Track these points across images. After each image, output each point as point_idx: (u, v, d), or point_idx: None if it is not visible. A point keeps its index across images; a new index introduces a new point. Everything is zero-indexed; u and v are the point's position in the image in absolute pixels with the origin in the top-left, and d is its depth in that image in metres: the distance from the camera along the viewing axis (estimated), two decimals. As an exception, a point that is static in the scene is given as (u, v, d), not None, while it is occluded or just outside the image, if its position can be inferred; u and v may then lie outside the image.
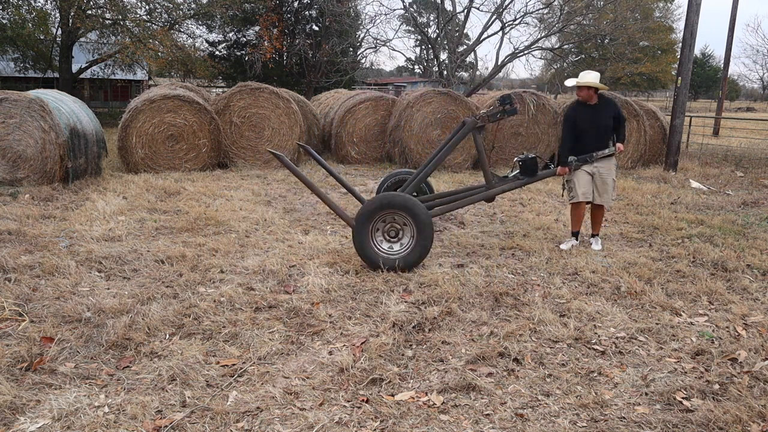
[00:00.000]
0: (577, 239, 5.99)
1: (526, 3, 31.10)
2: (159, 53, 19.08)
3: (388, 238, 4.99)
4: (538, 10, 21.05)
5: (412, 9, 25.53)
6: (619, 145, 5.74)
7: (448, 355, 3.48)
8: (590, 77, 5.72)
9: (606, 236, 6.33)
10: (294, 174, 5.23)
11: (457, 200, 5.74)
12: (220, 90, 26.26)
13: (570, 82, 5.94)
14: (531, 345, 3.61)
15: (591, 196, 5.77)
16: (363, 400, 2.97)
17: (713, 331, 3.89)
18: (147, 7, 19.89)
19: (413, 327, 3.83)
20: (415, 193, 6.29)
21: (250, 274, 4.80)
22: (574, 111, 5.78)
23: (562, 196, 5.88)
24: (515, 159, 5.86)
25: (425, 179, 5.92)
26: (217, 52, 26.33)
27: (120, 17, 18.54)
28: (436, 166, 5.67)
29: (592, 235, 6.03)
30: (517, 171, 5.76)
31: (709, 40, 71.03)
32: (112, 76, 23.49)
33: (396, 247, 4.96)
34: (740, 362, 3.41)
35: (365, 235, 4.87)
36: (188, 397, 2.94)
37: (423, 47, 41.90)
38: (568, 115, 5.79)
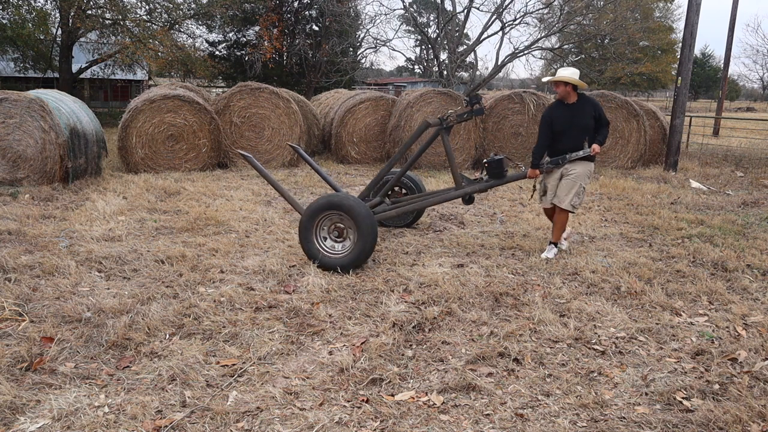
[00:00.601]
0: (558, 245, 5.63)
1: (526, 3, 31.12)
2: (159, 53, 19.09)
3: (333, 237, 5.01)
4: (538, 10, 21.06)
5: (412, 9, 25.54)
6: (594, 146, 5.34)
7: (448, 355, 3.48)
8: (566, 73, 5.41)
9: (606, 236, 6.33)
10: (258, 171, 5.45)
11: (419, 202, 5.71)
12: (220, 90, 26.27)
13: (546, 79, 5.73)
14: (531, 345, 3.61)
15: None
16: (363, 400, 2.97)
17: (713, 331, 3.89)
18: (147, 7, 19.90)
19: (413, 327, 3.83)
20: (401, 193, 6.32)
21: (250, 274, 4.80)
22: (551, 110, 5.48)
23: (530, 198, 5.54)
24: (483, 161, 5.69)
25: (396, 183, 5.95)
26: (217, 52, 26.35)
27: (120, 17, 18.54)
28: (408, 168, 5.70)
29: (549, 242, 5.60)
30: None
31: (709, 40, 71.13)
32: (112, 76, 23.51)
33: (339, 247, 4.98)
34: (740, 362, 3.41)
35: (309, 230, 4.97)
36: (188, 397, 2.94)
37: (423, 47, 41.90)
38: (545, 115, 5.49)
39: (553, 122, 5.41)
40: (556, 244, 5.57)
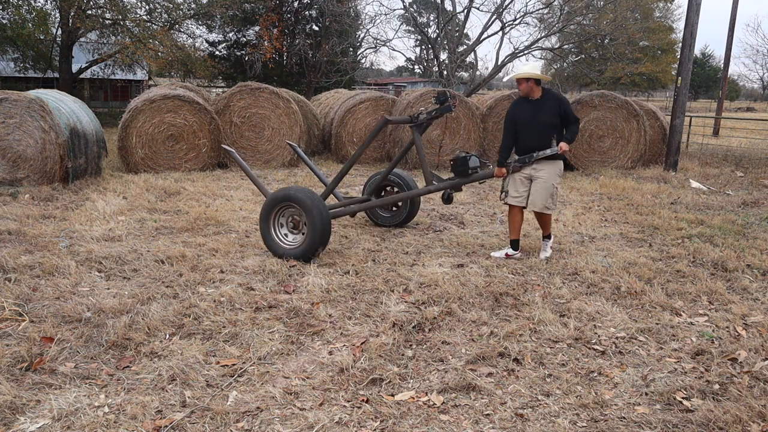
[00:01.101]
0: (515, 249, 5.45)
1: (526, 3, 31.12)
2: (159, 53, 19.10)
3: (290, 228, 5.28)
4: (538, 10, 21.06)
5: (412, 9, 25.53)
6: (562, 144, 5.10)
7: (448, 355, 3.48)
8: (526, 68, 5.25)
9: (606, 236, 6.33)
10: (240, 166, 5.81)
11: (375, 201, 5.90)
12: (220, 90, 26.28)
13: (507, 78, 5.78)
14: (531, 345, 3.61)
15: (525, 201, 5.31)
16: (363, 400, 2.96)
17: (713, 331, 3.89)
18: (147, 7, 19.91)
19: (413, 327, 3.83)
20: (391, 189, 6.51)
21: (250, 274, 4.80)
22: (514, 106, 5.35)
23: (500, 198, 5.51)
24: (450, 159, 5.72)
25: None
26: (217, 52, 26.36)
27: (120, 17, 18.55)
28: (352, 165, 5.78)
29: (543, 237, 5.54)
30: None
31: (709, 40, 71.17)
32: (112, 76, 23.52)
33: (293, 238, 5.25)
34: (740, 362, 3.41)
35: (268, 220, 5.24)
36: (188, 397, 2.94)
37: (423, 47, 41.90)
38: (508, 111, 5.38)
39: (516, 119, 5.27)
40: (549, 237, 5.51)
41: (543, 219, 5.44)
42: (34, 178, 8.08)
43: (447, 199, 5.71)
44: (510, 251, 5.45)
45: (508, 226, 5.53)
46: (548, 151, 5.13)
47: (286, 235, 5.26)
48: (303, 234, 5.15)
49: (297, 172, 10.55)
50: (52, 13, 19.24)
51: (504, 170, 5.34)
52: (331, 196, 6.14)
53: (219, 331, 3.70)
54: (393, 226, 6.54)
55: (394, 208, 6.57)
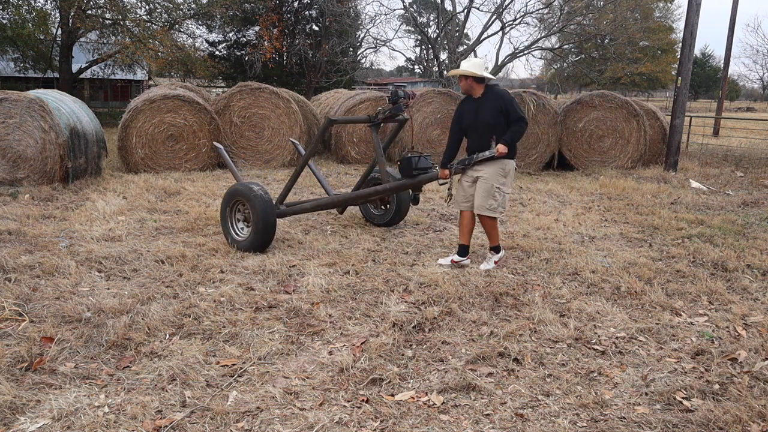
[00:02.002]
0: (462, 255, 5.15)
1: (526, 3, 31.16)
2: (159, 53, 19.10)
3: (244, 221, 5.64)
4: (538, 10, 21.09)
5: (412, 9, 25.53)
6: (499, 146, 4.79)
7: (448, 355, 3.48)
8: (466, 65, 4.98)
9: (606, 236, 6.33)
10: (226, 164, 6.28)
11: (316, 202, 5.98)
12: (220, 90, 26.28)
13: (448, 74, 5.72)
14: (531, 345, 3.61)
15: (468, 204, 5.09)
16: (363, 400, 2.96)
17: (713, 331, 3.89)
18: (147, 7, 19.91)
19: (413, 327, 3.83)
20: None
21: (250, 274, 4.80)
22: (459, 105, 5.14)
23: (445, 201, 5.42)
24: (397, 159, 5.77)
25: (296, 179, 6.10)
26: (217, 52, 26.35)
27: (120, 17, 18.55)
28: (304, 167, 5.88)
29: (489, 248, 5.22)
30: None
31: (709, 40, 71.18)
32: (112, 76, 23.52)
33: (244, 231, 5.59)
34: (740, 362, 3.41)
35: (225, 211, 5.64)
36: (188, 397, 2.94)
37: (423, 47, 41.89)
38: (455, 110, 5.18)
39: (461, 119, 5.08)
40: (497, 249, 5.19)
41: (485, 224, 5.09)
42: (34, 178, 8.08)
43: (414, 200, 5.76)
44: (456, 257, 5.15)
45: (459, 230, 5.27)
46: (486, 153, 4.87)
47: (241, 228, 5.62)
48: (250, 228, 5.47)
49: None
50: (52, 13, 19.24)
51: (447, 172, 5.14)
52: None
53: (219, 331, 3.70)
54: (385, 225, 6.55)
55: (383, 207, 6.59)
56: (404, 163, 5.39)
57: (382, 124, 5.80)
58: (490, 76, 5.05)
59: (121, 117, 10.12)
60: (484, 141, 4.91)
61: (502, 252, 5.25)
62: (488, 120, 4.89)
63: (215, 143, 6.40)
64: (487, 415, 2.87)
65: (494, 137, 4.87)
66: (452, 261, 5.15)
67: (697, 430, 2.76)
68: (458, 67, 5.18)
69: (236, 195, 5.48)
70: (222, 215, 5.66)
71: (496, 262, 5.15)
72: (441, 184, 5.88)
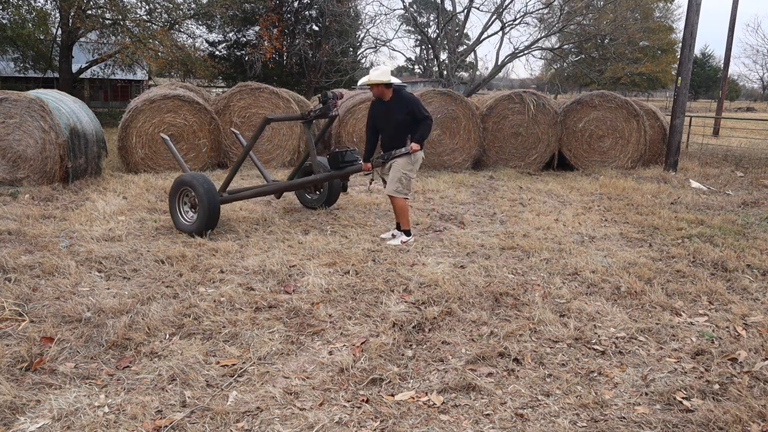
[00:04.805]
0: (408, 235, 5.90)
1: (526, 3, 31.13)
2: (159, 53, 19.09)
3: (191, 208, 6.05)
4: (538, 10, 21.06)
5: (412, 9, 25.53)
6: (413, 144, 5.59)
7: (448, 355, 3.48)
8: (375, 74, 5.59)
9: (606, 236, 6.33)
10: (171, 153, 6.80)
11: (255, 190, 6.46)
12: (220, 90, 26.27)
13: (361, 81, 6.12)
14: (531, 345, 3.61)
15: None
16: (363, 400, 2.97)
17: (713, 331, 3.89)
18: (147, 7, 19.90)
19: (413, 327, 3.83)
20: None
21: (250, 274, 4.80)
22: (371, 108, 5.90)
23: (367, 189, 6.40)
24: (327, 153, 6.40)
25: (235, 172, 6.51)
26: (217, 52, 26.33)
27: (120, 17, 18.54)
28: (241, 163, 6.34)
29: (400, 229, 5.94)
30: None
31: (709, 40, 71.13)
32: (112, 76, 23.51)
33: (192, 216, 6.00)
34: (740, 362, 3.41)
35: (173, 199, 6.09)
36: (188, 397, 2.94)
37: (423, 47, 41.91)
38: (368, 113, 5.95)
39: (374, 119, 5.79)
40: (407, 232, 5.87)
41: (395, 205, 5.83)
42: (34, 178, 8.08)
43: (343, 188, 6.80)
44: (404, 237, 5.86)
45: (404, 216, 5.84)
46: (403, 150, 5.65)
47: (187, 212, 6.08)
48: (196, 213, 5.95)
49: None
50: (52, 13, 19.23)
51: (369, 165, 5.94)
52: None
53: (219, 331, 3.70)
54: (316, 208, 7.22)
55: (316, 193, 7.35)
56: (333, 156, 6.21)
57: (315, 121, 6.57)
58: (397, 81, 5.70)
59: (121, 117, 10.11)
60: (396, 138, 5.70)
61: (412, 238, 5.91)
62: (400, 120, 5.61)
63: (162, 135, 6.91)
64: (487, 415, 2.87)
65: (409, 136, 5.64)
66: (402, 242, 5.79)
67: (697, 430, 2.76)
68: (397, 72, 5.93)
69: (183, 184, 5.96)
70: (170, 203, 6.12)
71: (403, 242, 5.78)
72: (365, 175, 6.92)
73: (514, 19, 20.91)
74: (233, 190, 6.67)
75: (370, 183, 6.69)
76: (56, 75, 20.85)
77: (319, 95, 6.27)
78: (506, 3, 20.51)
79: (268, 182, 6.97)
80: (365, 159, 5.97)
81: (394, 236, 5.95)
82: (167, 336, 3.63)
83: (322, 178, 6.36)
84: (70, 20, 18.70)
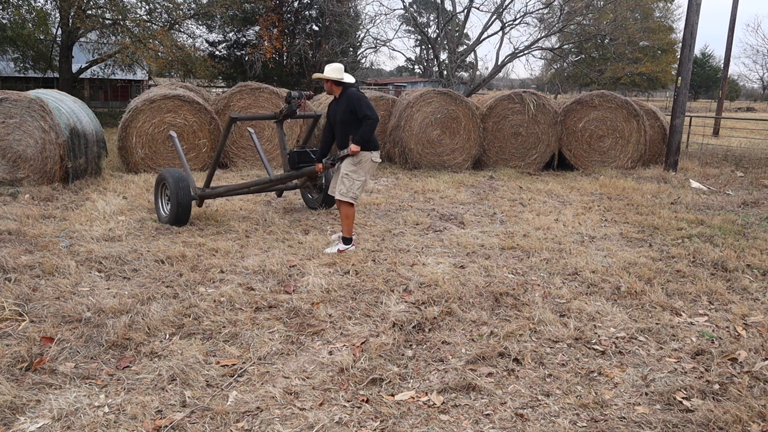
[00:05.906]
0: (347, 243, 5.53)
1: (526, 3, 31.15)
2: (159, 53, 19.08)
3: (169, 201, 6.37)
4: (538, 10, 21.05)
5: (412, 9, 25.52)
6: (352, 146, 5.28)
7: (448, 355, 3.48)
8: (326, 69, 5.42)
9: (606, 236, 6.33)
10: (176, 151, 6.97)
11: (233, 188, 6.63)
12: (220, 90, 26.27)
13: (314, 76, 6.08)
14: (531, 345, 3.61)
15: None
16: (363, 400, 2.97)
17: (713, 331, 3.89)
18: (147, 7, 19.89)
19: (413, 327, 3.83)
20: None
21: (250, 274, 4.80)
22: (328, 107, 5.72)
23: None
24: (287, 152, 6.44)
25: (213, 174, 6.72)
26: (217, 52, 26.33)
27: (120, 17, 18.54)
28: (217, 163, 6.60)
29: (340, 236, 5.65)
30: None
31: (709, 40, 71.11)
32: (112, 76, 23.49)
33: (169, 208, 6.40)
34: (740, 362, 3.41)
35: (156, 193, 6.62)
36: (188, 397, 2.94)
37: (423, 47, 41.91)
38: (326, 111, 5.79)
39: (328, 118, 5.69)
40: (347, 240, 5.50)
41: (340, 209, 5.53)
42: (34, 178, 8.08)
43: (278, 193, 7.26)
44: (342, 246, 5.50)
45: (347, 222, 5.52)
46: (346, 151, 5.41)
47: (167, 206, 6.50)
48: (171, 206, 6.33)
49: (297, 172, 10.54)
50: (52, 13, 19.23)
51: (320, 166, 5.77)
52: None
53: (219, 331, 3.70)
54: (316, 208, 7.32)
55: (315, 195, 7.45)
56: (291, 156, 6.21)
57: (288, 120, 6.78)
58: (349, 77, 5.53)
59: (121, 117, 10.11)
60: (344, 138, 5.51)
61: (353, 247, 5.55)
62: (343, 119, 5.40)
63: (171, 132, 7.14)
64: (487, 415, 2.87)
65: (351, 137, 5.42)
66: (338, 250, 5.46)
67: (697, 430, 2.76)
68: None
69: (161, 180, 6.49)
70: (155, 196, 6.60)
71: (340, 250, 5.44)
72: (319, 176, 6.91)
73: (514, 19, 20.91)
74: (214, 186, 6.96)
75: (324, 185, 6.77)
76: (56, 75, 20.84)
77: (286, 96, 6.29)
78: (506, 3, 20.52)
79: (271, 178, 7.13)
80: (318, 160, 5.77)
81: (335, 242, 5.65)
82: (167, 336, 3.63)
83: (275, 179, 6.39)
84: (70, 20, 18.70)
